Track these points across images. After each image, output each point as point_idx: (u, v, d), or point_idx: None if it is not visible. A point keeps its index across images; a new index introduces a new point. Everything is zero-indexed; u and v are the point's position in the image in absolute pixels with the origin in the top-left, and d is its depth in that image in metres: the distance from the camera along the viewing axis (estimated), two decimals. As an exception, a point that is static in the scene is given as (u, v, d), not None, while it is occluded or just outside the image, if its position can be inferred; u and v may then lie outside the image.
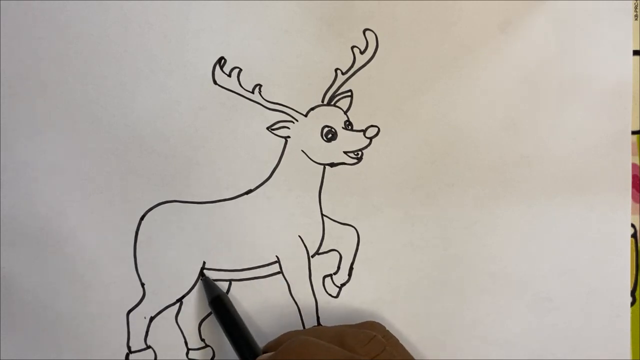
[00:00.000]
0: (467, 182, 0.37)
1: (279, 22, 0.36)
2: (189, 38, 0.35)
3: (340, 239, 0.37)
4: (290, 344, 0.30)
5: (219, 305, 0.35)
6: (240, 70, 0.36)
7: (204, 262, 0.36)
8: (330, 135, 0.36)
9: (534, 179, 0.37)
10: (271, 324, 0.36)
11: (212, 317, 0.36)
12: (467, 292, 0.37)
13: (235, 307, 0.36)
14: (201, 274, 0.36)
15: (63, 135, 0.35)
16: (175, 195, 0.36)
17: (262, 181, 0.36)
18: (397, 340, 0.34)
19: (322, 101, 0.36)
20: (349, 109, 0.36)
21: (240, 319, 0.35)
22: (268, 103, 0.36)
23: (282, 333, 0.36)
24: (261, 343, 0.35)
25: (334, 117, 0.36)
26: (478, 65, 0.37)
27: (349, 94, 0.36)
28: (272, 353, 0.31)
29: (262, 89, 0.36)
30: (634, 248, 0.38)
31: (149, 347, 0.36)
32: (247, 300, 0.36)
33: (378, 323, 0.35)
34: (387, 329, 0.35)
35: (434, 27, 0.36)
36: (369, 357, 0.30)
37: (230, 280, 0.36)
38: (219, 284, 0.36)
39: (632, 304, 0.38)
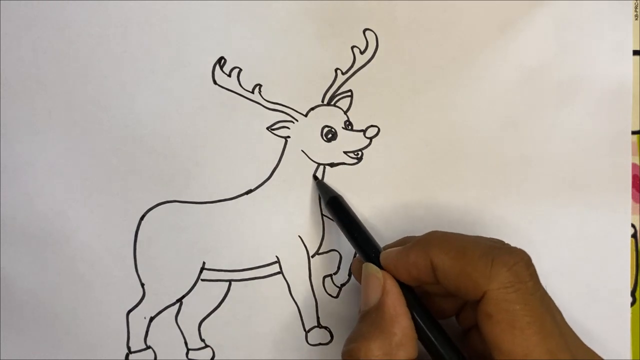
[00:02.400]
0: (467, 182, 0.37)
1: (279, 22, 0.36)
2: (189, 38, 0.35)
3: (340, 239, 0.37)
4: (428, 237, 0.30)
5: (336, 206, 0.34)
6: (240, 70, 0.36)
7: (204, 262, 0.36)
8: (330, 135, 0.36)
9: (534, 179, 0.37)
10: (271, 324, 0.36)
11: (212, 317, 0.36)
12: (467, 292, 0.37)
13: (235, 307, 0.36)
14: (315, 177, 0.36)
15: (63, 135, 0.35)
16: (175, 195, 0.36)
17: (262, 181, 0.36)
18: None
19: (322, 101, 0.36)
20: (349, 109, 0.36)
21: (358, 219, 0.34)
22: (268, 103, 0.36)
23: (283, 332, 0.36)
24: (260, 344, 0.35)
25: (334, 117, 0.36)
26: (478, 65, 0.37)
27: (349, 94, 0.36)
28: (405, 246, 0.30)
29: (262, 89, 0.36)
30: (634, 248, 0.38)
31: (149, 347, 0.36)
32: (247, 300, 0.36)
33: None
34: None
35: (434, 27, 0.36)
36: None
37: (230, 280, 0.36)
38: (217, 284, 0.36)
39: (632, 304, 0.38)
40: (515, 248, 0.29)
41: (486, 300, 0.27)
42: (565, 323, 0.28)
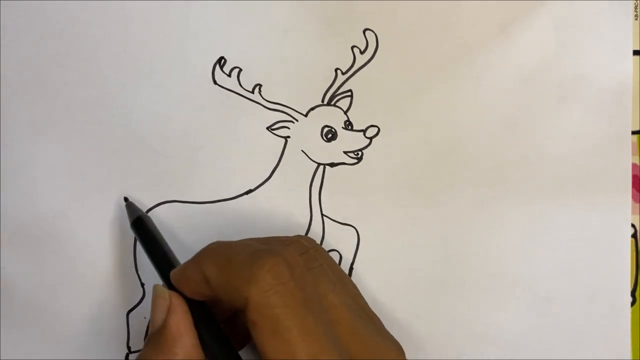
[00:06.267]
0: (467, 182, 0.37)
1: (279, 22, 0.36)
2: (189, 38, 0.35)
3: (340, 239, 0.37)
4: (204, 248, 0.29)
5: (139, 226, 0.33)
6: (240, 70, 0.36)
7: (204, 262, 0.36)
8: (330, 135, 0.36)
9: (534, 179, 0.37)
10: (271, 324, 0.36)
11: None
12: (467, 292, 0.37)
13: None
14: (125, 199, 0.35)
15: (63, 135, 0.35)
16: (175, 195, 0.36)
17: (262, 181, 0.36)
18: (326, 252, 0.33)
19: (322, 101, 0.36)
20: (349, 109, 0.36)
21: (162, 238, 0.33)
22: (268, 103, 0.36)
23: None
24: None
25: (334, 117, 0.36)
26: (478, 65, 0.37)
27: (349, 94, 0.36)
28: (185, 262, 0.30)
29: (262, 89, 0.36)
30: (634, 248, 0.38)
31: (149, 347, 0.36)
32: (247, 300, 0.36)
33: (308, 237, 0.33)
34: (316, 242, 0.33)
35: (434, 27, 0.36)
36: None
37: (230, 280, 0.36)
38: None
39: (632, 304, 0.38)
40: (281, 249, 0.27)
41: (249, 307, 0.25)
42: (350, 322, 0.28)
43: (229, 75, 0.35)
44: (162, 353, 0.27)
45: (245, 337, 0.32)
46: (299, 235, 0.33)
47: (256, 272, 0.25)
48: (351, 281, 0.33)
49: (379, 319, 0.32)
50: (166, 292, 0.29)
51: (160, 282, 0.32)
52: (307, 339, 0.25)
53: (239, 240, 0.30)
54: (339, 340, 0.27)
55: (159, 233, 0.34)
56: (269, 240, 0.31)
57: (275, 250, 0.27)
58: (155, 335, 0.28)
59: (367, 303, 0.33)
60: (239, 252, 0.27)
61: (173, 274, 0.30)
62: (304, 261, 0.28)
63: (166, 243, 0.33)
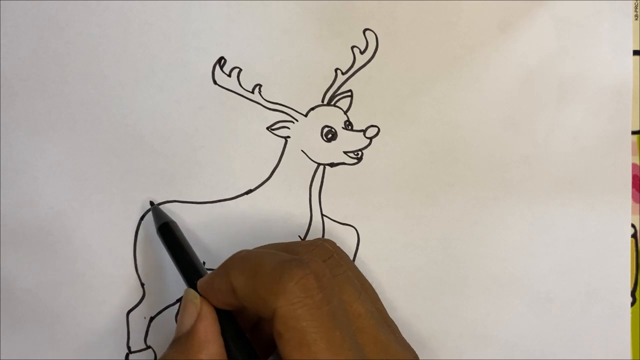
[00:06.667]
0: (467, 182, 0.37)
1: (279, 22, 0.36)
2: (189, 38, 0.35)
3: (340, 239, 0.37)
4: (231, 258, 0.29)
5: (165, 232, 0.33)
6: (240, 70, 0.36)
7: (204, 262, 0.36)
8: (330, 135, 0.36)
9: (534, 179, 0.37)
10: (271, 324, 0.36)
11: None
12: (467, 292, 0.37)
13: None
14: (151, 203, 0.35)
15: (63, 135, 0.35)
16: (175, 195, 0.36)
17: (262, 181, 0.36)
18: (348, 257, 0.33)
19: (322, 101, 0.36)
20: (349, 109, 0.36)
21: (188, 245, 0.33)
22: (268, 103, 0.36)
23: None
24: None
25: (334, 117, 0.36)
26: (478, 65, 0.37)
27: (349, 94, 0.36)
28: (212, 271, 0.30)
29: (262, 89, 0.36)
30: (634, 248, 0.38)
31: (149, 347, 0.36)
32: (247, 300, 0.36)
33: (330, 240, 0.33)
34: (338, 246, 0.33)
35: (434, 27, 0.36)
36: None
37: (230, 280, 0.36)
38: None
39: (632, 304, 0.38)
40: (308, 258, 0.27)
41: (276, 319, 0.25)
42: (374, 331, 0.28)
43: (229, 75, 0.35)
44: (187, 356, 0.28)
45: (270, 346, 0.32)
46: (321, 239, 0.33)
47: (284, 284, 0.25)
48: (371, 285, 0.33)
49: (395, 323, 0.32)
50: (198, 297, 0.29)
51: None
52: (333, 351, 0.25)
53: (265, 248, 0.30)
54: (362, 350, 0.27)
55: (185, 240, 0.34)
56: (292, 246, 0.31)
57: (303, 261, 0.27)
58: (182, 339, 0.28)
59: (384, 307, 0.33)
60: (266, 261, 0.27)
61: (200, 283, 0.30)
62: (329, 267, 0.28)
63: (192, 250, 0.33)
